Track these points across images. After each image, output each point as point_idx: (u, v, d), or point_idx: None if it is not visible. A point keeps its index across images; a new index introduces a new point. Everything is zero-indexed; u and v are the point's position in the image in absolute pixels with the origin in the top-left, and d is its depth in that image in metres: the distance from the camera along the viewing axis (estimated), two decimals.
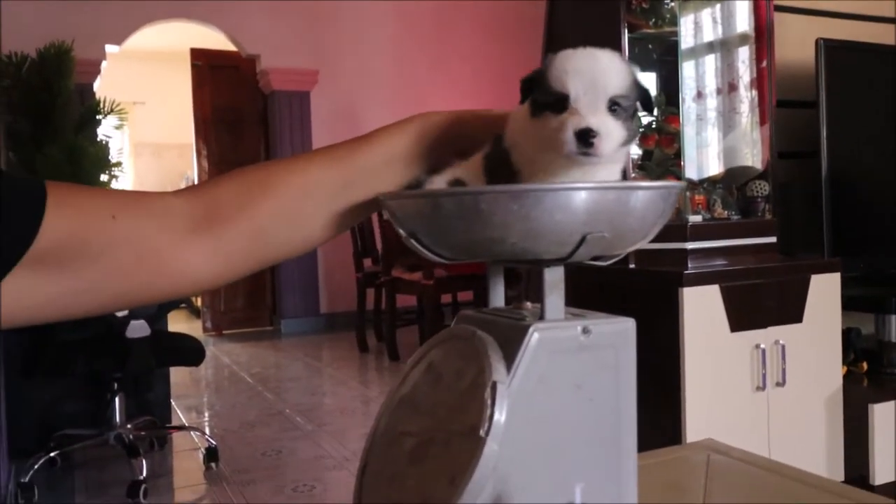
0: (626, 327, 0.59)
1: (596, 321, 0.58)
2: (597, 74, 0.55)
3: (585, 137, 0.53)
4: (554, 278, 0.58)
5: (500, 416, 0.52)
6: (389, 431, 0.61)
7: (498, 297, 0.67)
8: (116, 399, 2.69)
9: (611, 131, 0.54)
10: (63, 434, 2.70)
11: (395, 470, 0.57)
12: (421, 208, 0.57)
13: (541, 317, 0.58)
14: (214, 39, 5.93)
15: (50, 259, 0.52)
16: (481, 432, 0.51)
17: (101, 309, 0.57)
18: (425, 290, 4.27)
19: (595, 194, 0.51)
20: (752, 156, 2.04)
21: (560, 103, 0.55)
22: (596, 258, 0.60)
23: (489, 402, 0.52)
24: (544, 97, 0.56)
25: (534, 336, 0.55)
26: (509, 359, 0.55)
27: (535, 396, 0.55)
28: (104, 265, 0.54)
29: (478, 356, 0.56)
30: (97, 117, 4.36)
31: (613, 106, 0.55)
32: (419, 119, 0.64)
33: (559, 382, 0.56)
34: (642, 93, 0.58)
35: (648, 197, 0.54)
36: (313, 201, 0.62)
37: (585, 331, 0.57)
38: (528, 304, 0.63)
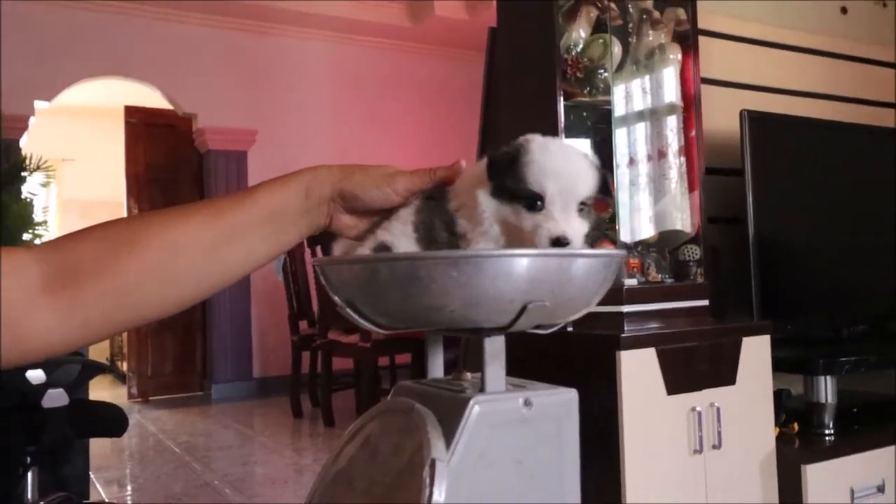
0: (568, 398, 0.58)
1: (537, 392, 0.56)
2: (572, 178, 0.57)
3: (559, 243, 0.55)
4: (494, 348, 0.57)
5: (439, 496, 0.49)
6: None
7: (437, 366, 0.65)
8: (29, 474, 2.51)
9: (580, 233, 0.57)
10: None
11: None
12: (357, 274, 0.55)
13: (481, 388, 0.56)
14: (150, 97, 5.85)
15: None
16: None
17: None
18: (363, 353, 4.20)
19: (536, 262, 0.50)
20: (682, 220, 2.10)
21: (534, 201, 0.56)
22: (537, 326, 0.59)
23: (428, 481, 0.49)
24: (518, 189, 0.56)
25: (474, 409, 0.53)
26: (449, 434, 0.52)
27: (475, 473, 0.53)
28: None
29: (416, 431, 0.53)
30: (23, 174, 4.20)
31: (582, 206, 0.58)
32: (307, 173, 0.62)
33: (500, 458, 0.54)
34: (605, 185, 0.60)
35: (590, 265, 0.54)
36: (186, 259, 0.57)
37: (527, 403, 0.55)
38: (468, 375, 0.61)
